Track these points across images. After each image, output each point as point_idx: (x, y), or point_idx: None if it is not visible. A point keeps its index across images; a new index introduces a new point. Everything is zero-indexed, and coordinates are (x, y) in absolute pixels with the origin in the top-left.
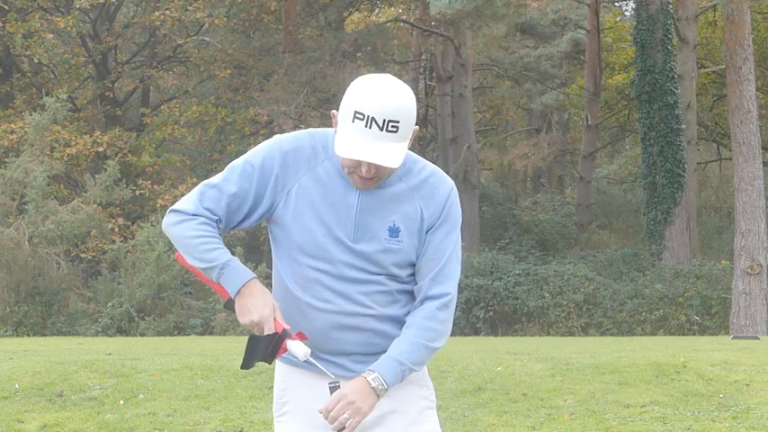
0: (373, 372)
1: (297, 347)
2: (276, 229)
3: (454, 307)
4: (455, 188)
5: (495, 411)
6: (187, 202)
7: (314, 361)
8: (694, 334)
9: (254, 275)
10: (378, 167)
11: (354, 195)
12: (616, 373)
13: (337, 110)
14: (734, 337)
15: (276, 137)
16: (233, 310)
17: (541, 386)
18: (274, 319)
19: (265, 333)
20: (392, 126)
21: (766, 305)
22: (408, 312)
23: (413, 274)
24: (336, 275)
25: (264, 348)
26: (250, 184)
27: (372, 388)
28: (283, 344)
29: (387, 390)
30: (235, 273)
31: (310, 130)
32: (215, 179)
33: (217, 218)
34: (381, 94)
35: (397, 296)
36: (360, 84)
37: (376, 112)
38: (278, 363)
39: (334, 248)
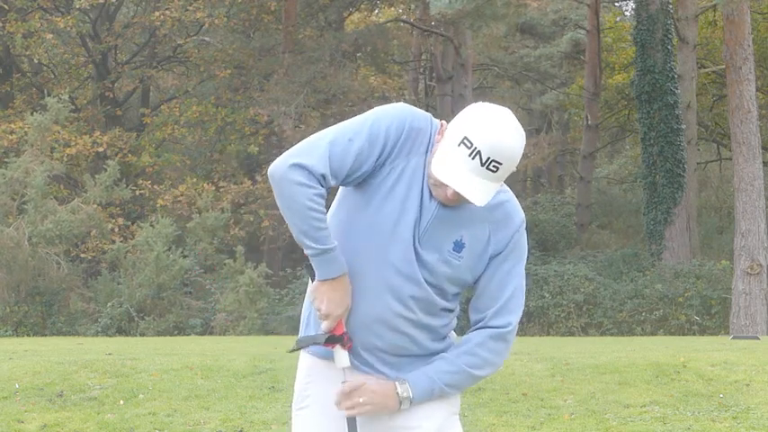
0: (404, 382)
1: (341, 355)
2: (360, 194)
3: (513, 339)
4: (525, 222)
5: (495, 411)
6: (317, 158)
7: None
8: (694, 334)
9: (347, 270)
10: (460, 197)
11: (435, 201)
12: (616, 373)
13: (439, 124)
14: (734, 337)
15: (408, 107)
16: (311, 277)
17: (541, 386)
18: (343, 327)
19: (324, 329)
20: (493, 166)
21: (766, 305)
22: (444, 325)
23: (459, 294)
24: (393, 268)
25: (317, 344)
26: (373, 148)
27: (397, 394)
28: (334, 346)
29: (411, 402)
30: (333, 261)
31: (430, 115)
32: (343, 134)
33: (333, 184)
34: (497, 131)
35: (439, 311)
36: (479, 111)
37: (485, 147)
38: (303, 355)
39: (406, 242)
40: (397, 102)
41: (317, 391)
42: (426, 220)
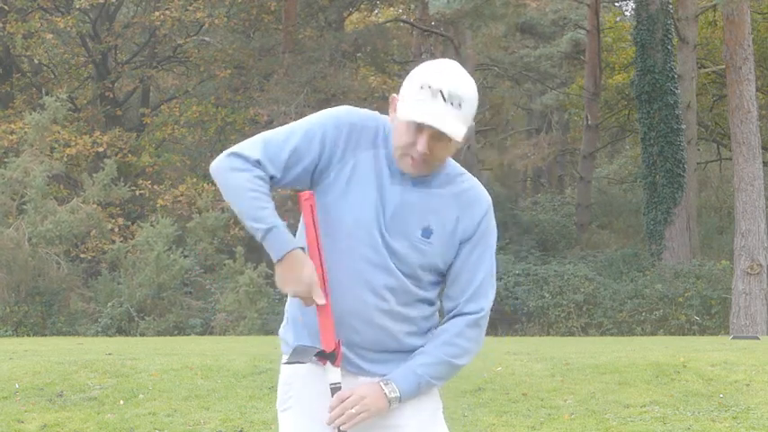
0: (389, 382)
1: (333, 372)
2: (320, 196)
3: (486, 325)
4: (491, 205)
5: (495, 411)
6: (251, 147)
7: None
8: (694, 334)
9: (300, 245)
10: (433, 148)
11: (398, 190)
12: (616, 373)
13: (391, 99)
14: (734, 337)
15: (347, 107)
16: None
17: (541, 386)
18: (334, 340)
19: (316, 301)
20: (457, 103)
21: (766, 305)
22: (424, 317)
23: (436, 283)
24: (363, 259)
25: (309, 359)
26: (311, 144)
27: (385, 394)
28: (325, 362)
29: (400, 401)
30: (280, 238)
31: (377, 113)
32: (279, 132)
33: (272, 173)
34: (449, 72)
35: (415, 302)
36: (427, 63)
37: (443, 85)
38: (284, 356)
39: (372, 232)
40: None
41: (299, 393)
42: (391, 209)
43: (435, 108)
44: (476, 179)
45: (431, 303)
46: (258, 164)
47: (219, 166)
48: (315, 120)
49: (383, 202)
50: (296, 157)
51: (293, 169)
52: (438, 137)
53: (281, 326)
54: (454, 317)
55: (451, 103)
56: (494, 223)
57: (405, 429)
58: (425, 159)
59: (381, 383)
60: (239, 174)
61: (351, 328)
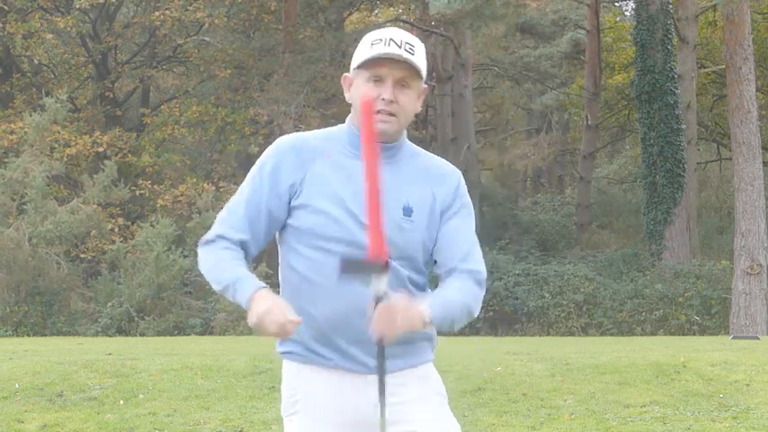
0: (423, 304)
1: (380, 281)
2: (289, 221)
3: (483, 291)
4: (462, 176)
5: (495, 411)
6: (214, 229)
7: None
8: (694, 334)
9: (263, 285)
10: (398, 96)
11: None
12: (616, 373)
13: (342, 80)
14: (734, 337)
15: (284, 137)
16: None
17: (541, 386)
18: (383, 248)
19: (292, 321)
20: (409, 48)
21: (766, 305)
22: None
23: (423, 266)
24: (352, 251)
25: (362, 269)
26: (261, 191)
27: (422, 314)
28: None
29: (428, 324)
30: (244, 286)
31: (316, 130)
32: (231, 201)
33: (240, 238)
34: (396, 29)
35: (405, 285)
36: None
37: (393, 35)
38: (286, 360)
39: (350, 226)
40: None
41: (305, 396)
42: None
43: (391, 49)
44: (439, 158)
45: (422, 288)
46: (220, 238)
47: (199, 262)
48: (255, 167)
49: (361, 190)
50: (254, 210)
51: (258, 221)
52: (400, 84)
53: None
54: (457, 273)
55: (405, 49)
56: (468, 197)
57: (415, 424)
58: (393, 111)
59: (416, 304)
60: (203, 254)
61: (351, 326)
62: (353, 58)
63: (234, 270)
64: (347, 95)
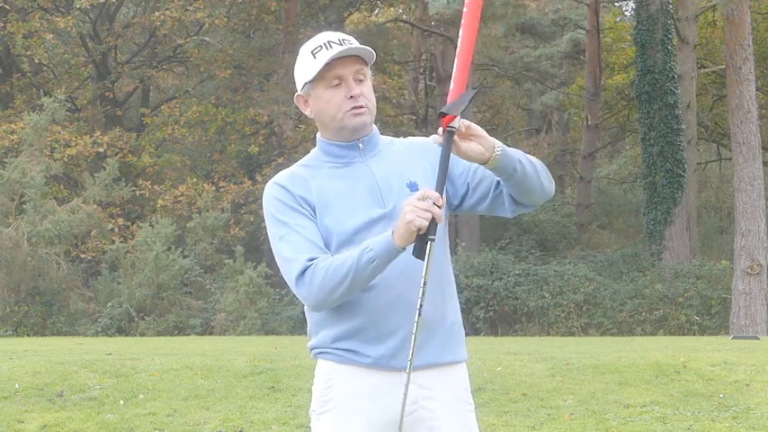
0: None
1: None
2: (325, 227)
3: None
4: None
5: (495, 411)
6: (297, 262)
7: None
8: (694, 334)
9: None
10: (362, 89)
11: (366, 169)
12: (616, 373)
13: (301, 97)
14: (734, 337)
15: (268, 183)
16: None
17: (541, 386)
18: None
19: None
20: (348, 42)
21: (766, 305)
22: (451, 282)
23: (443, 243)
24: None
25: (466, 101)
26: (295, 215)
27: (491, 141)
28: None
29: (500, 153)
30: (375, 240)
31: (294, 164)
32: (280, 252)
33: (322, 254)
34: (324, 33)
35: (440, 262)
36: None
37: (328, 37)
38: (321, 360)
39: (373, 224)
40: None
41: (339, 395)
42: (376, 183)
43: (337, 49)
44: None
45: (448, 264)
46: (309, 260)
47: (310, 294)
48: (272, 210)
49: (366, 185)
50: (301, 228)
51: (315, 232)
52: (357, 79)
53: (310, 339)
54: None
55: (346, 45)
56: None
57: (437, 431)
58: (363, 104)
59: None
60: (312, 278)
61: (390, 318)
62: (301, 76)
63: (349, 251)
64: (307, 112)
